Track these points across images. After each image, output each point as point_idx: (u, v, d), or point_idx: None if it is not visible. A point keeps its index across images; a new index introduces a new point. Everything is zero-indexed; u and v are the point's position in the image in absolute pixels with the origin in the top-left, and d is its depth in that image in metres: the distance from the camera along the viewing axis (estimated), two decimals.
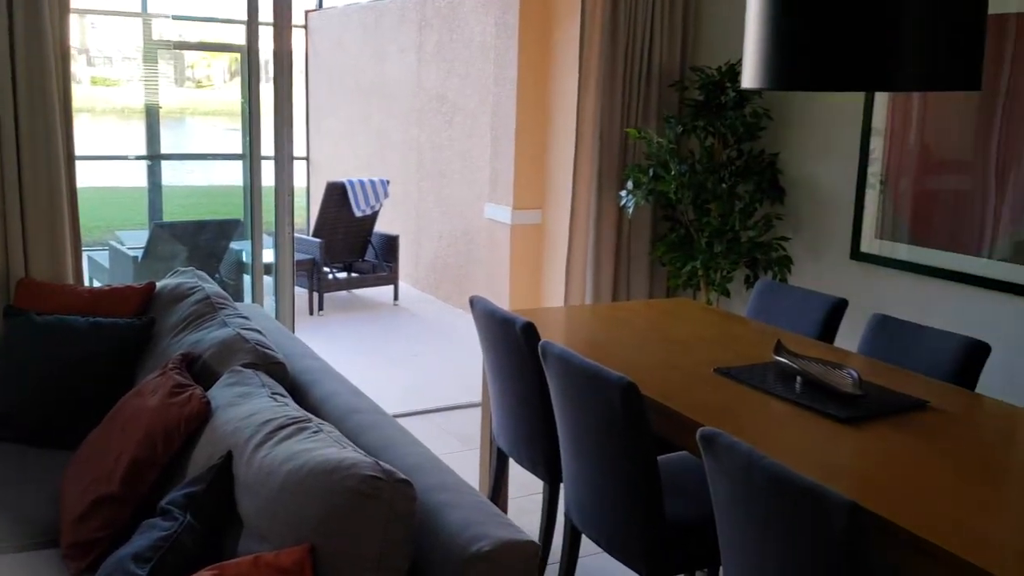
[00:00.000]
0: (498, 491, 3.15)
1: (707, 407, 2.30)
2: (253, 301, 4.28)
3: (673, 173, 3.86)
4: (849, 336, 3.51)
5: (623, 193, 4.02)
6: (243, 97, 4.13)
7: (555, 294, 5.10)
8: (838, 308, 3.11)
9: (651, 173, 3.92)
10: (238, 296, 5.24)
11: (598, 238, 4.22)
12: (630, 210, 3.99)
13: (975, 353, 2.61)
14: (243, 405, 2.05)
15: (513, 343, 2.76)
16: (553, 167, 5.16)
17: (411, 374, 5.15)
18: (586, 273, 4.26)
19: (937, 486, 1.84)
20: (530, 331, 2.69)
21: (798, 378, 2.49)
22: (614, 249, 4.26)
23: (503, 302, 5.58)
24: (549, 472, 2.77)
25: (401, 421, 4.21)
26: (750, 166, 3.96)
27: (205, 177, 8.65)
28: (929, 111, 3.38)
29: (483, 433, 3.32)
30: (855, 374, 2.41)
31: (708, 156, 3.99)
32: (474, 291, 6.60)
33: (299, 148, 9.94)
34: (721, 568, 1.97)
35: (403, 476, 1.61)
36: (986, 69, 3.16)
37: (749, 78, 2.25)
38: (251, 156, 3.90)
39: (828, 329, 3.10)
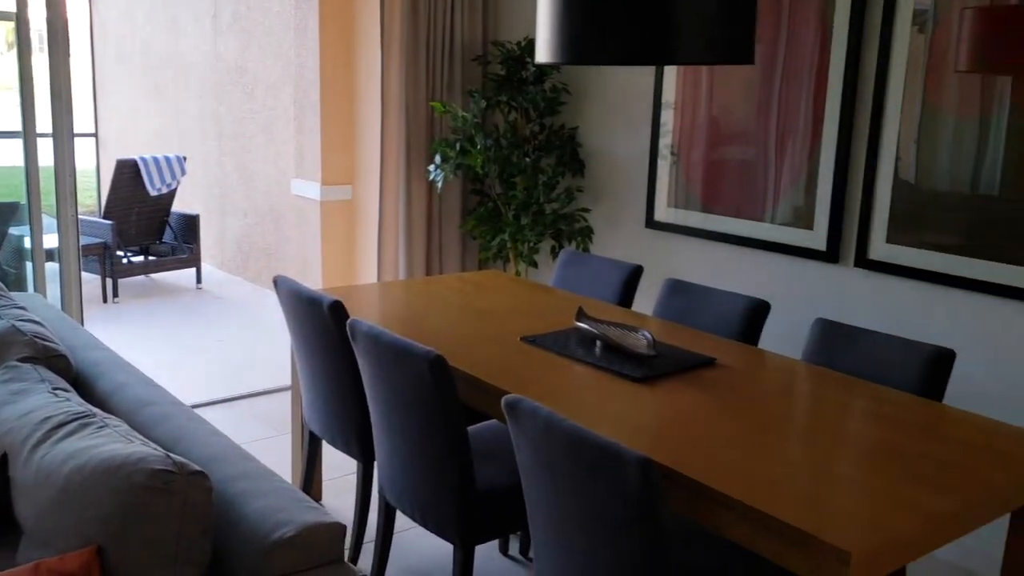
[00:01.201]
0: (311, 475, 3.10)
1: (513, 375, 2.35)
2: (35, 290, 3.96)
3: (479, 147, 3.89)
4: (646, 300, 3.70)
5: (431, 168, 4.01)
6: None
7: (369, 271, 5.04)
8: (634, 274, 3.26)
9: (458, 148, 3.93)
10: (21, 285, 4.83)
11: (409, 213, 4.20)
12: (439, 185, 3.99)
13: (758, 312, 2.81)
14: (19, 403, 1.89)
15: (321, 323, 2.70)
16: (361, 142, 5.08)
17: (216, 361, 4.94)
18: (398, 249, 4.24)
19: (723, 437, 1.97)
20: (338, 310, 2.64)
21: (597, 342, 2.59)
22: (425, 224, 4.26)
23: (315, 281, 5.45)
24: (362, 451, 2.75)
25: (205, 411, 4.08)
26: (551, 140, 4.06)
27: None
28: (716, 86, 3.59)
29: (294, 417, 3.25)
30: (649, 336, 2.54)
31: (512, 130, 4.06)
32: (284, 271, 6.41)
33: (87, 124, 9.23)
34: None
35: (197, 468, 1.54)
36: (765, 45, 3.39)
37: (542, 53, 2.30)
38: (26, 133, 3.57)
39: (626, 294, 3.25)
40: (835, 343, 2.57)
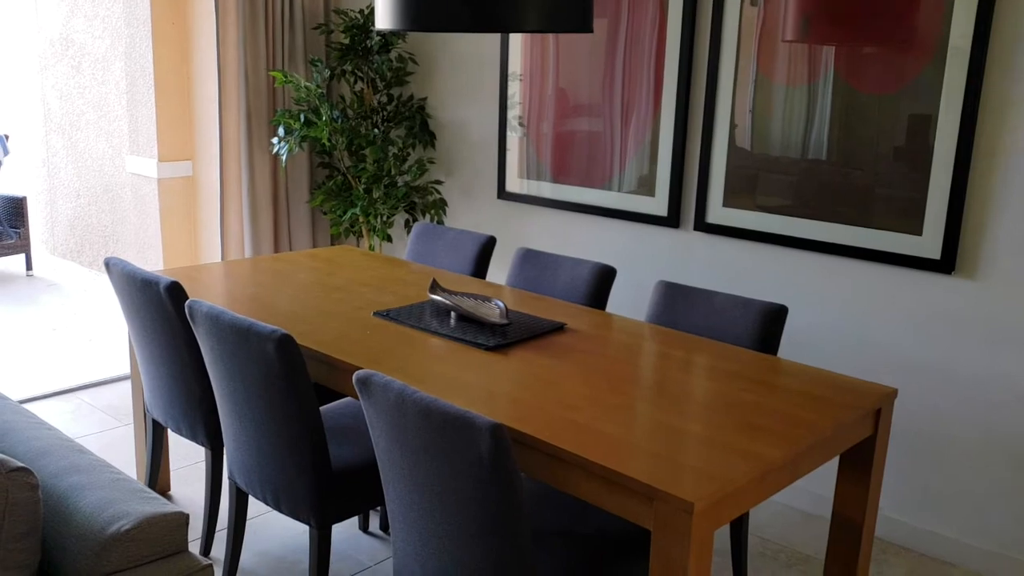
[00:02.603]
0: (157, 465, 2.96)
1: (366, 351, 2.31)
2: None
3: (324, 119, 3.79)
4: (500, 270, 3.73)
5: (275, 140, 3.88)
6: None
7: (213, 252, 4.84)
8: (488, 245, 3.27)
9: (302, 119, 3.82)
10: None
11: (252, 188, 4.05)
12: (283, 158, 3.86)
13: (604, 277, 2.88)
14: None
15: (158, 306, 2.57)
16: (200, 115, 4.85)
17: (50, 351, 4.63)
18: (243, 227, 4.09)
19: (574, 399, 2.01)
20: (176, 291, 2.52)
21: (452, 313, 2.58)
22: (271, 199, 4.12)
23: (156, 263, 5.18)
24: (210, 438, 2.65)
25: (39, 404, 3.82)
26: (400, 111, 4.00)
27: None
28: (562, 58, 3.62)
29: (135, 406, 3.09)
30: (502, 305, 2.55)
31: (359, 101, 3.97)
32: (123, 253, 6.06)
33: None
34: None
35: (19, 464, 1.43)
36: (608, 19, 3.45)
37: (382, 18, 2.25)
38: None
39: (480, 265, 3.25)
40: (677, 304, 2.67)
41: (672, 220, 3.33)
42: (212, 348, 2.33)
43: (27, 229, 6.12)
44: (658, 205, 3.36)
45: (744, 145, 3.12)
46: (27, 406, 3.77)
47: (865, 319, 2.93)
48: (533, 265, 3.06)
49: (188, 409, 2.67)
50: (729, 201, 3.17)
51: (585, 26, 2.26)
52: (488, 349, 2.33)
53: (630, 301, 3.49)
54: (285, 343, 2.12)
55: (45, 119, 6.65)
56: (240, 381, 2.27)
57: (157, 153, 4.97)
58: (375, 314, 2.61)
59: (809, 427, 1.91)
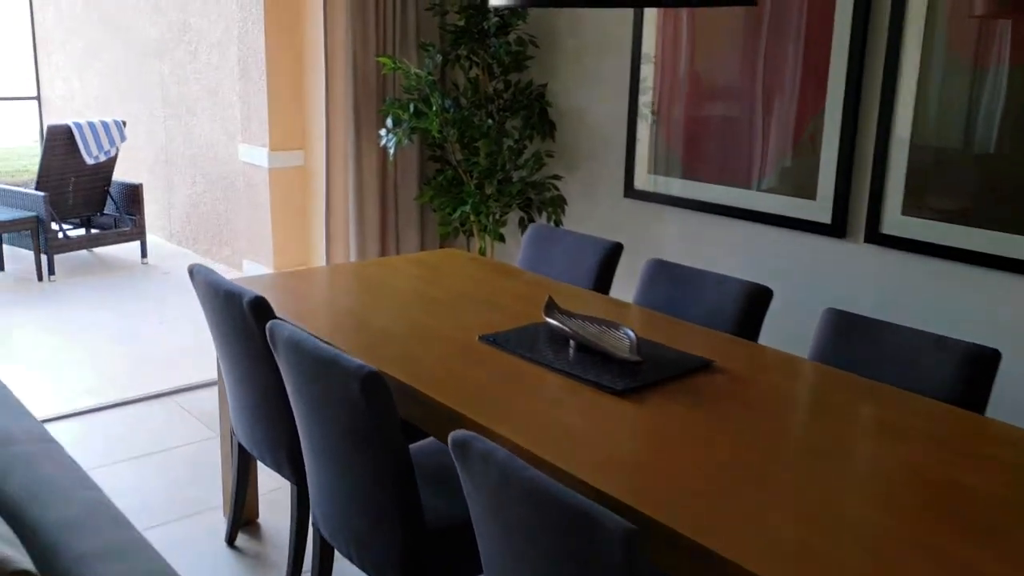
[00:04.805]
0: (243, 492, 2.69)
1: (467, 388, 1.94)
2: None
3: (435, 109, 3.44)
4: (627, 281, 3.28)
5: (383, 132, 3.56)
6: None
7: (323, 245, 4.60)
8: (612, 253, 2.85)
9: (412, 109, 3.48)
10: None
11: (359, 183, 3.75)
12: (391, 151, 3.54)
13: (758, 299, 2.41)
14: None
15: (241, 323, 2.28)
16: (311, 103, 4.60)
17: (154, 346, 4.49)
18: (348, 223, 3.80)
19: (717, 467, 1.58)
20: (260, 307, 2.22)
21: (571, 342, 2.18)
22: (378, 195, 3.82)
23: (266, 256, 5.00)
24: (295, 472, 2.34)
25: (133, 408, 3.64)
26: (518, 99, 3.62)
27: None
28: (698, 35, 3.15)
29: (222, 423, 2.83)
30: (632, 335, 2.13)
31: (473, 89, 3.60)
32: (236, 243, 5.93)
33: (29, 86, 8.61)
34: None
35: (23, 566, 1.12)
36: None
37: None
38: None
39: (603, 277, 2.84)
40: (850, 339, 2.18)
41: (837, 229, 2.81)
42: (293, 378, 2.01)
43: (142, 216, 6.07)
44: (819, 210, 2.86)
45: (928, 140, 2.58)
46: (119, 411, 3.59)
47: None
48: (668, 280, 2.62)
49: (272, 438, 2.37)
50: (911, 208, 2.64)
51: None
52: (615, 393, 1.92)
53: (786, 329, 2.98)
54: (372, 383, 1.77)
55: (164, 104, 6.60)
56: (322, 418, 1.95)
57: (268, 142, 4.77)
58: (481, 339, 2.24)
59: None
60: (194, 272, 2.48)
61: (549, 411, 1.84)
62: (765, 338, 2.53)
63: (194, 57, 6.15)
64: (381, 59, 3.49)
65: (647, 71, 3.32)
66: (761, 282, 2.68)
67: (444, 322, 2.38)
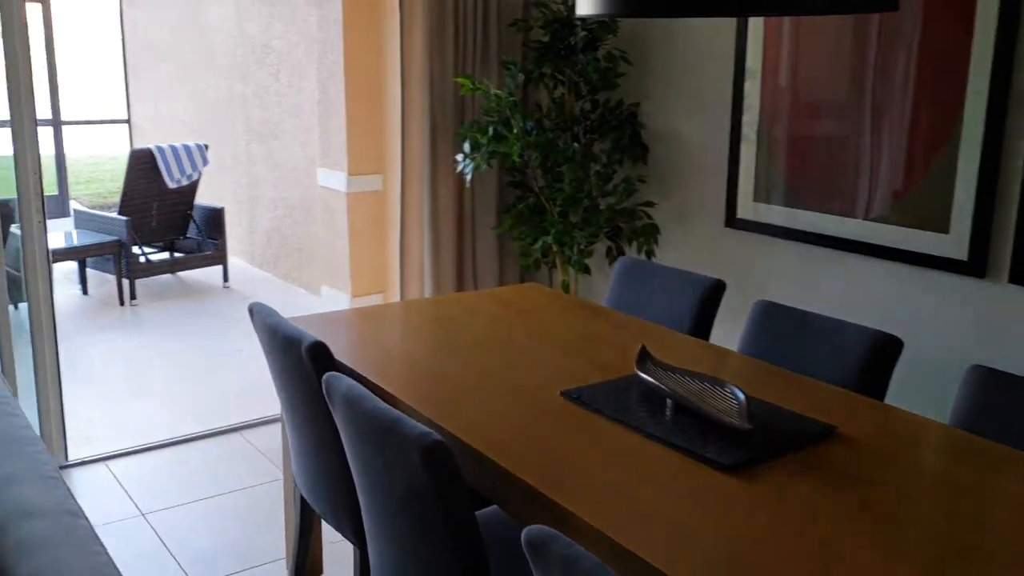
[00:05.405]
0: (305, 546, 2.47)
1: (544, 456, 1.67)
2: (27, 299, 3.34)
3: (516, 131, 3.19)
4: (730, 322, 2.96)
5: (459, 157, 3.33)
6: None
7: (410, 267, 4.40)
8: (713, 292, 2.54)
9: (491, 132, 3.24)
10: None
11: (434, 210, 3.54)
12: (468, 177, 3.31)
13: (886, 352, 2.08)
14: None
15: (300, 370, 2.07)
16: (390, 125, 4.43)
17: (227, 375, 4.36)
18: (423, 253, 3.58)
19: (850, 571, 1.27)
20: (319, 354, 2.00)
21: (668, 402, 1.89)
22: (455, 223, 3.59)
23: (344, 281, 4.84)
24: (356, 535, 2.11)
25: (199, 444, 3.49)
26: (607, 120, 3.34)
27: None
28: (805, 46, 2.83)
29: (285, 469, 2.63)
30: (740, 395, 1.82)
31: (558, 109, 3.35)
32: (314, 268, 5.82)
33: (119, 110, 8.78)
34: None
35: None
36: None
37: (587, 2, 1.60)
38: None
39: (703, 319, 2.54)
40: (1000, 402, 1.83)
41: (975, 267, 2.45)
42: (350, 438, 1.79)
43: (224, 240, 6.02)
44: (953, 245, 2.50)
45: None
46: (184, 448, 3.44)
47: None
48: (778, 326, 2.30)
49: (333, 494, 2.15)
50: None
51: (889, 2, 1.51)
52: (723, 469, 1.62)
53: (915, 384, 2.61)
54: (435, 454, 1.52)
55: (247, 127, 6.57)
56: (381, 483, 1.71)
57: (346, 166, 4.61)
58: (563, 394, 1.97)
59: None
60: (253, 312, 2.29)
61: (642, 490, 1.55)
62: (893, 396, 2.19)
63: (276, 79, 6.09)
64: (459, 79, 3.27)
65: (751, 87, 3.01)
66: (883, 326, 2.33)
67: (522, 372, 2.12)
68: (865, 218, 2.72)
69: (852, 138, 2.74)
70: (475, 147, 3.28)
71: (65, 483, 1.64)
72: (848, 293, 2.82)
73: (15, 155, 3.05)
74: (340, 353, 2.23)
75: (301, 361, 2.04)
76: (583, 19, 3.26)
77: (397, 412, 1.62)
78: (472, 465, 1.75)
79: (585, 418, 1.85)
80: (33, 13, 8.38)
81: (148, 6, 8.02)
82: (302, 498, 2.43)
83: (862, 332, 2.13)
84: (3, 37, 2.96)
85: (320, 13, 4.78)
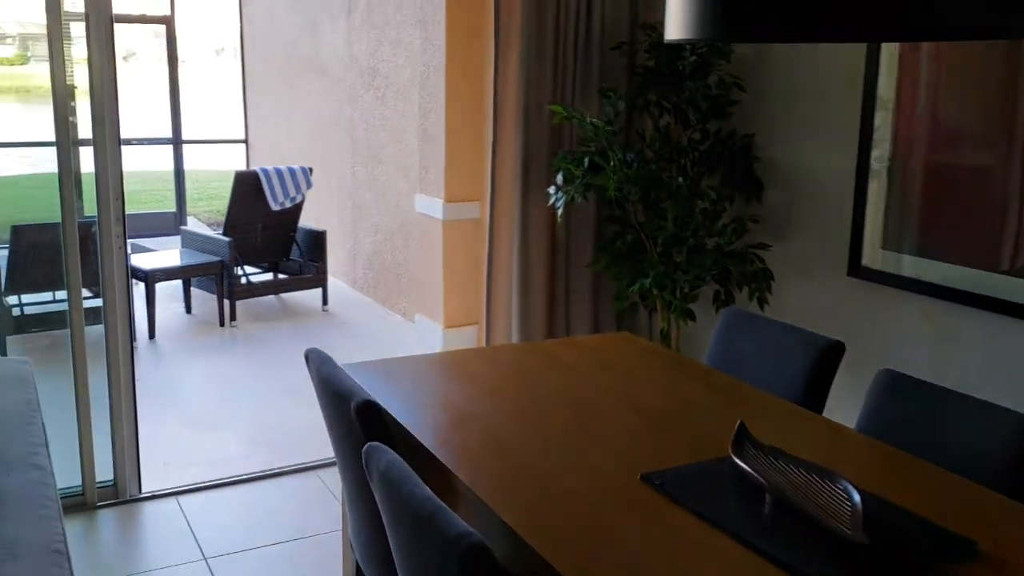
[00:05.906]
0: None
1: (610, 556, 1.40)
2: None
3: (613, 164, 2.93)
4: (850, 387, 2.58)
5: (551, 190, 3.10)
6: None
7: (497, 303, 4.19)
8: (831, 354, 2.21)
9: (586, 163, 2.99)
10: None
11: (525, 245, 3.31)
12: (560, 211, 3.07)
13: None
14: None
15: (349, 428, 1.86)
16: (487, 153, 4.23)
17: (312, 404, 4.22)
18: (512, 287, 3.35)
19: None
20: (369, 415, 1.79)
21: (767, 497, 1.58)
22: (547, 259, 3.35)
23: (438, 311, 4.67)
24: None
25: (271, 483, 3.35)
26: (716, 151, 3.04)
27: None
28: (944, 73, 2.46)
29: (343, 524, 2.43)
30: (856, 497, 1.50)
31: (663, 140, 3.07)
32: (412, 294, 5.68)
33: (239, 130, 8.98)
34: None
35: None
36: None
37: (674, 25, 1.35)
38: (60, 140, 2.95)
39: (817, 386, 2.20)
40: None
41: None
42: (389, 522, 1.56)
43: (325, 263, 5.97)
44: None
45: None
46: (255, 486, 3.31)
47: None
48: (907, 402, 1.95)
49: (383, 563, 1.93)
50: None
51: None
52: None
53: None
54: (476, 560, 1.27)
55: (353, 151, 6.53)
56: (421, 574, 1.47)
57: (443, 192, 4.45)
58: (643, 477, 1.68)
59: None
60: (309, 359, 2.11)
61: None
62: None
63: (382, 103, 6.02)
64: (553, 107, 3.03)
65: (882, 118, 2.65)
66: None
67: (599, 446, 1.85)
68: (1011, 272, 2.33)
69: (999, 178, 2.35)
70: (568, 179, 3.03)
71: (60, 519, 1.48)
72: (990, 361, 2.42)
73: (96, 175, 2.99)
74: (399, 410, 2.02)
75: (350, 420, 1.83)
76: (692, 43, 2.99)
77: (437, 502, 1.38)
78: (526, 562, 1.49)
79: (666, 509, 1.57)
80: (158, 33, 8.68)
81: (266, 27, 8.17)
82: (357, 564, 2.23)
83: (1010, 416, 1.76)
84: (88, 54, 2.91)
85: (424, 36, 4.66)
